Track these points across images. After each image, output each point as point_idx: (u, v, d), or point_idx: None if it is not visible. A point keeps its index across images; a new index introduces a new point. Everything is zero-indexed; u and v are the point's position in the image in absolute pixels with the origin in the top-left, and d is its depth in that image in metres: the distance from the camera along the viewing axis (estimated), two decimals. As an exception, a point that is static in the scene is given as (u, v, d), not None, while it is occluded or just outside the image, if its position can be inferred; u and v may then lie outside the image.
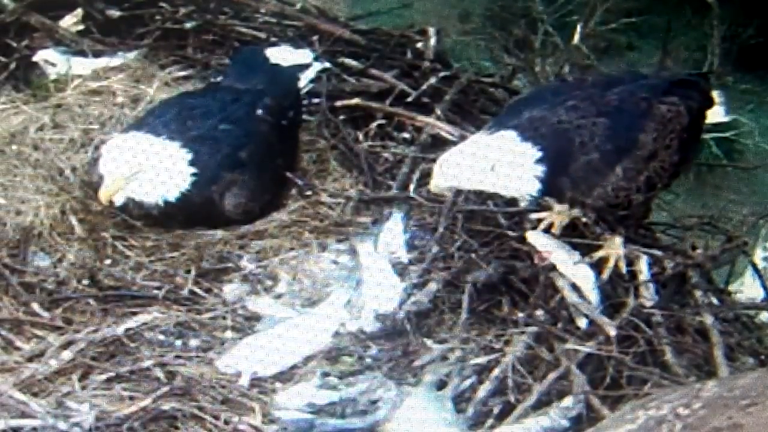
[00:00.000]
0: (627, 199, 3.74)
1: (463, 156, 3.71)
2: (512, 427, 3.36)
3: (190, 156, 4.13)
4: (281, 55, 4.85)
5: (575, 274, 3.87)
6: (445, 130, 4.76)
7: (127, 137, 4.16)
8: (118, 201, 4.09)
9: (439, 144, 4.70)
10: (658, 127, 3.74)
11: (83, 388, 3.42)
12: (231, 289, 3.90)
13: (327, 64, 4.98)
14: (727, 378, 3.54)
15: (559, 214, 3.95)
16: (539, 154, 3.65)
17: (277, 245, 4.10)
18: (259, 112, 4.37)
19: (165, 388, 3.39)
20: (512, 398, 3.48)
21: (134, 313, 3.74)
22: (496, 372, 3.55)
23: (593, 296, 3.82)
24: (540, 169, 3.66)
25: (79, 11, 5.32)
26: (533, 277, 3.91)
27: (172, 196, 4.11)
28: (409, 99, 4.96)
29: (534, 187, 3.68)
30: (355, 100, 4.90)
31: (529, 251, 3.99)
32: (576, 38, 6.17)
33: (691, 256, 4.21)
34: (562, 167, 3.67)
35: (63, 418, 3.26)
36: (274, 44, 5.17)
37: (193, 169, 4.12)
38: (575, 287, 3.84)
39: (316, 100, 4.86)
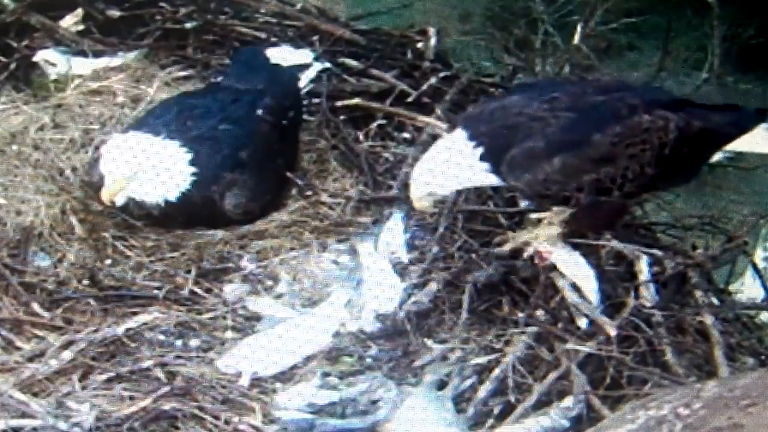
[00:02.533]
0: (561, 193, 3.67)
1: (428, 165, 3.76)
2: (513, 427, 3.37)
3: (190, 156, 4.13)
4: (281, 55, 4.85)
5: (576, 274, 3.87)
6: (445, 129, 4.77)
7: (128, 137, 4.16)
8: (119, 201, 4.09)
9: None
10: (625, 134, 3.63)
11: (83, 388, 3.42)
12: (231, 289, 3.90)
13: (327, 64, 4.98)
14: (727, 378, 3.53)
15: (557, 214, 3.95)
16: (480, 150, 3.66)
17: (278, 245, 4.10)
18: (260, 112, 4.37)
19: (165, 388, 3.39)
20: (513, 398, 3.48)
21: (134, 313, 3.74)
22: (496, 372, 3.55)
23: (593, 296, 3.82)
24: (485, 166, 3.69)
25: (80, 11, 5.32)
26: (533, 277, 3.91)
27: (173, 196, 4.11)
28: (410, 99, 4.96)
29: (494, 180, 3.72)
30: (356, 100, 4.90)
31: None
32: (576, 38, 6.17)
33: (691, 256, 4.21)
34: (502, 156, 3.66)
35: (63, 418, 3.26)
36: (274, 44, 5.17)
37: (193, 169, 4.12)
38: (575, 287, 3.84)
39: (316, 100, 4.86)
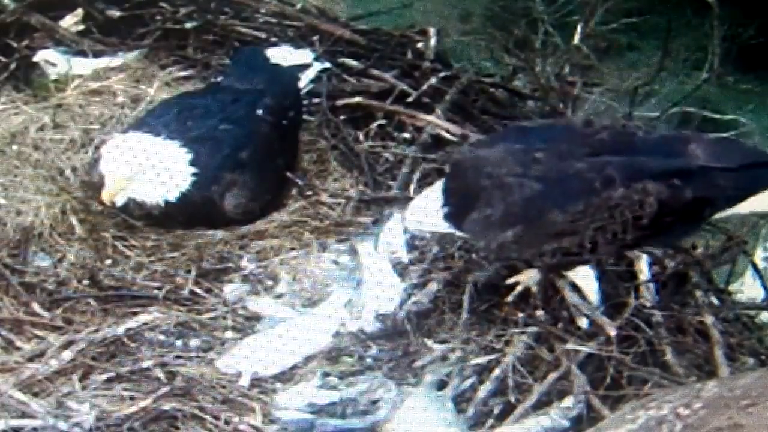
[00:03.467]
0: (522, 258, 3.65)
1: (418, 206, 3.78)
2: (513, 428, 3.37)
3: (190, 156, 4.13)
4: (281, 55, 4.84)
5: (576, 274, 3.87)
6: (447, 128, 4.76)
7: (128, 137, 4.16)
8: (119, 201, 4.09)
9: (439, 144, 4.71)
10: (588, 211, 3.48)
11: (84, 388, 3.42)
12: (231, 289, 3.90)
13: (327, 64, 4.98)
14: (727, 378, 3.54)
15: (530, 277, 3.91)
16: (446, 210, 3.66)
17: (278, 245, 4.10)
18: (260, 112, 4.37)
19: (165, 389, 3.39)
20: (513, 398, 3.48)
21: (135, 313, 3.74)
22: (496, 372, 3.55)
23: (594, 296, 3.81)
24: (446, 225, 3.69)
25: (80, 11, 5.31)
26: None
27: (173, 196, 4.11)
28: (410, 99, 4.95)
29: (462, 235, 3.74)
30: (357, 99, 4.90)
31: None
32: (576, 38, 6.17)
33: (691, 255, 4.21)
34: (464, 218, 3.64)
35: (63, 419, 3.26)
36: (274, 44, 5.16)
37: (193, 170, 4.12)
38: (575, 287, 3.84)
39: (316, 100, 4.86)
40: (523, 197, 3.53)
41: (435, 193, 3.74)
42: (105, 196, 4.06)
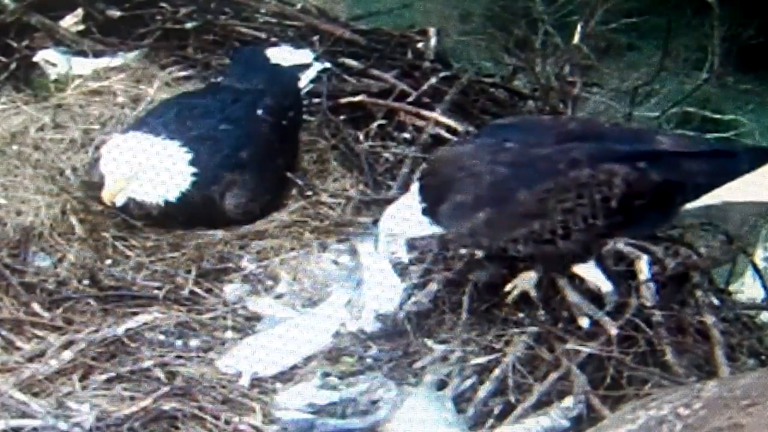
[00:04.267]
0: (495, 245, 3.63)
1: (392, 213, 3.78)
2: (513, 427, 3.37)
3: (190, 156, 4.13)
4: (282, 55, 4.84)
5: (578, 268, 3.86)
6: (450, 125, 4.77)
7: (128, 137, 4.16)
8: (119, 201, 4.09)
9: (439, 144, 4.71)
10: (555, 189, 3.50)
11: (84, 388, 3.42)
12: (231, 290, 3.90)
13: (327, 65, 4.98)
14: (727, 378, 3.54)
15: (528, 279, 3.91)
16: (424, 204, 3.68)
17: (278, 245, 4.10)
18: (260, 112, 4.37)
19: (165, 389, 3.39)
20: (513, 398, 3.47)
21: (135, 314, 3.73)
22: (496, 372, 3.55)
23: (605, 284, 3.80)
24: (427, 219, 3.70)
25: (80, 11, 5.32)
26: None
27: (173, 196, 4.11)
28: (410, 99, 4.96)
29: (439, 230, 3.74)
30: (360, 97, 4.91)
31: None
32: (576, 38, 6.17)
33: (691, 255, 4.21)
34: (438, 209, 3.66)
35: (63, 419, 3.26)
36: (274, 44, 5.17)
37: (193, 169, 4.12)
38: (579, 286, 3.84)
39: (316, 100, 4.86)
40: (491, 182, 3.57)
41: (410, 197, 3.76)
42: (105, 196, 4.06)
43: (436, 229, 3.73)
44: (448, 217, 3.65)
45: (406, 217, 3.73)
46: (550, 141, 3.64)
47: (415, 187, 3.76)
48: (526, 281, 3.84)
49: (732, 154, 3.75)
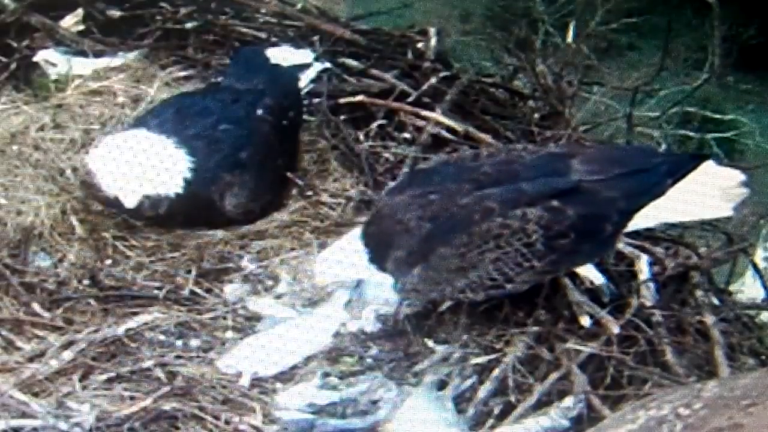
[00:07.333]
0: (446, 296, 3.64)
1: (330, 256, 3.76)
2: (513, 427, 3.37)
3: (190, 156, 4.13)
4: (282, 55, 4.84)
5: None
6: (450, 125, 4.77)
7: (127, 137, 4.16)
8: (132, 202, 4.07)
9: (439, 144, 4.71)
10: (473, 243, 3.50)
11: (84, 388, 3.42)
12: (232, 290, 3.90)
13: (327, 65, 4.98)
14: (727, 378, 3.54)
15: None
16: (369, 254, 3.68)
17: (278, 245, 4.10)
18: (260, 112, 4.37)
19: (166, 389, 3.39)
20: (513, 398, 3.48)
21: (135, 314, 3.74)
22: (496, 372, 3.55)
23: (596, 276, 3.81)
24: (368, 267, 3.70)
25: (80, 11, 5.31)
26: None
27: (173, 195, 4.10)
28: (410, 99, 4.95)
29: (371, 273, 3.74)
30: (360, 97, 4.91)
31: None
32: (569, 37, 6.17)
33: (691, 255, 4.21)
34: (385, 261, 3.67)
35: (63, 419, 3.26)
36: (274, 44, 5.16)
37: (193, 169, 4.12)
38: (576, 286, 3.84)
39: (316, 100, 4.86)
40: (419, 238, 3.58)
41: (345, 242, 3.76)
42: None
43: (373, 273, 3.72)
44: (393, 273, 3.67)
45: (341, 260, 3.72)
46: (469, 188, 3.60)
47: (355, 236, 3.74)
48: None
49: (645, 170, 3.62)
